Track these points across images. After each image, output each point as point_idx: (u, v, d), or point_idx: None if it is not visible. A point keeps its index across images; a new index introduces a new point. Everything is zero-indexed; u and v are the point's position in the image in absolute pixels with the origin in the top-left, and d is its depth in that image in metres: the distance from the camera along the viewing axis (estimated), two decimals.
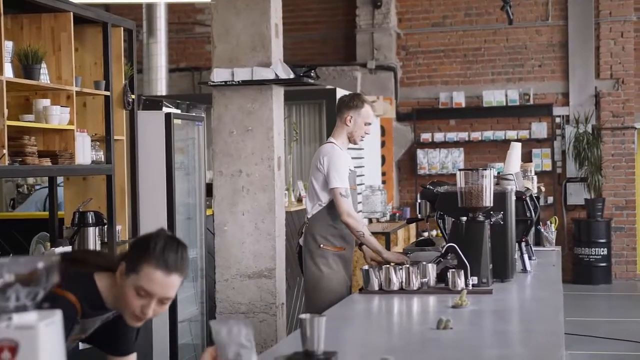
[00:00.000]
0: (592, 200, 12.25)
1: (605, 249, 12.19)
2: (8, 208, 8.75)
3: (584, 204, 12.39)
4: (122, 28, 5.77)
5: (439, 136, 12.81)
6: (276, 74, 5.64)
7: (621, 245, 12.51)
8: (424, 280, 4.22)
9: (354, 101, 5.24)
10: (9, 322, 1.69)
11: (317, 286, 5.12)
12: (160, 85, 10.19)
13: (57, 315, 1.76)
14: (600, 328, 9.21)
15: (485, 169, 4.37)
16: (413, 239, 10.45)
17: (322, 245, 5.13)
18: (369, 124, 5.26)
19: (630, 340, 8.49)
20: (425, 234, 12.25)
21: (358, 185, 9.85)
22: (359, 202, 9.56)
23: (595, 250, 12.17)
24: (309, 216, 5.23)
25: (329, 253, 5.13)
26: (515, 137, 12.33)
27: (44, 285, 1.74)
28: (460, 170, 4.41)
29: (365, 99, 5.32)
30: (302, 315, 2.70)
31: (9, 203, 8.88)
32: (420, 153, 12.84)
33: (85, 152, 5.16)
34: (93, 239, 5.29)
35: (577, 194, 12.52)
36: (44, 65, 4.83)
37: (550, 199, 12.47)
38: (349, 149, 5.37)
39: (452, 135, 12.78)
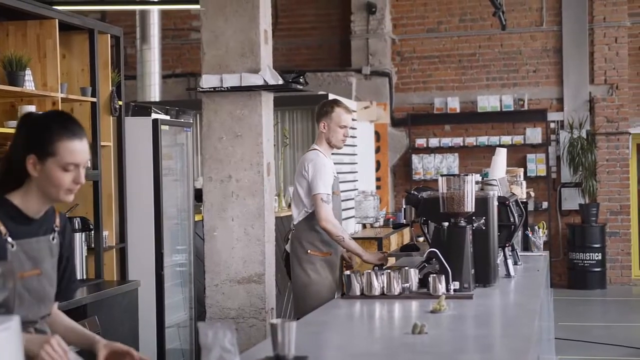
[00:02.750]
0: (587, 205, 12.26)
1: (600, 254, 12.20)
2: None
3: (578, 209, 12.40)
4: (109, 35, 5.80)
5: (433, 141, 12.83)
6: (265, 80, 5.66)
7: (616, 250, 12.51)
8: (405, 285, 4.23)
9: (324, 108, 5.36)
10: None
11: (306, 292, 5.16)
12: (154, 92, 10.21)
13: (13, 321, 1.78)
14: (594, 333, 9.21)
15: (467, 175, 4.38)
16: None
17: (309, 251, 5.19)
18: (344, 127, 5.31)
19: (624, 345, 8.49)
20: (421, 239, 12.26)
21: (351, 190, 9.93)
22: (351, 208, 9.58)
23: (589, 255, 12.17)
24: (295, 222, 5.30)
25: (317, 259, 5.18)
26: (510, 143, 12.36)
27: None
28: (442, 175, 4.43)
29: (336, 102, 5.38)
30: (273, 320, 2.72)
31: None
32: (415, 158, 12.86)
33: None
34: (80, 245, 5.31)
35: (571, 199, 12.53)
36: (28, 71, 4.86)
37: (545, 204, 12.48)
38: (333, 154, 5.41)
39: (447, 141, 12.79)
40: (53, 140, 2.62)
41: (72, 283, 2.89)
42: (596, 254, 12.17)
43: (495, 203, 4.65)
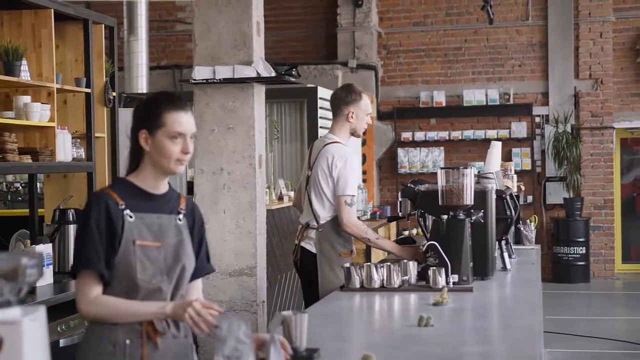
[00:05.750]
0: (571, 200, 12.33)
1: (584, 247, 12.28)
2: None
3: (563, 203, 12.47)
4: (103, 25, 5.75)
5: (419, 135, 12.85)
6: (257, 72, 5.64)
7: (599, 244, 12.60)
8: (404, 278, 4.24)
9: (351, 95, 5.03)
10: None
11: None
12: (141, 83, 10.14)
13: (40, 311, 1.76)
14: (579, 326, 9.27)
15: (466, 168, 4.39)
16: (394, 237, 10.48)
17: (341, 254, 4.97)
18: (369, 114, 5.09)
19: (608, 338, 8.56)
20: (406, 233, 12.29)
21: None
22: None
23: (573, 249, 12.25)
24: (321, 221, 4.97)
25: (344, 260, 4.92)
26: (495, 137, 12.40)
27: (27, 280, 1.74)
28: (441, 168, 4.42)
29: (360, 89, 5.15)
30: (285, 312, 2.71)
31: None
32: (400, 152, 12.88)
33: (66, 149, 5.15)
34: (73, 237, 5.27)
35: (556, 193, 12.60)
36: (24, 62, 4.81)
37: (530, 198, 12.54)
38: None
39: (433, 134, 12.83)
40: (161, 112, 2.82)
41: (205, 266, 3.03)
42: (580, 247, 12.25)
43: (494, 196, 4.66)
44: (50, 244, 5.12)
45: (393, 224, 11.04)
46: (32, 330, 1.72)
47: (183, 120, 2.83)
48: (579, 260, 12.27)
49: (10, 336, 1.68)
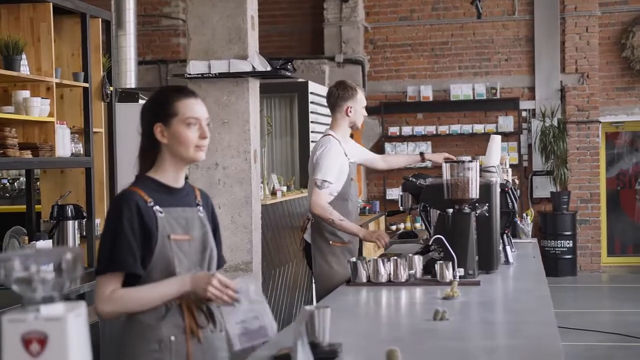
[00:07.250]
0: (558, 193, 12.39)
1: (571, 241, 12.33)
2: None
3: (549, 197, 12.52)
4: (100, 19, 5.70)
5: (406, 130, 12.86)
6: (253, 67, 5.62)
7: (586, 238, 12.66)
8: (411, 272, 4.23)
9: (347, 91, 5.18)
10: (37, 313, 1.67)
11: (330, 283, 4.91)
12: (130, 78, 10.05)
13: (82, 307, 1.74)
14: (567, 319, 9.31)
15: (472, 161, 4.39)
16: None
17: (331, 242, 5.05)
18: (364, 106, 5.28)
19: (598, 330, 8.60)
20: (393, 227, 12.30)
21: None
22: None
23: (560, 243, 12.30)
24: (313, 212, 5.08)
25: (338, 249, 5.04)
26: (482, 131, 12.43)
27: (71, 276, 1.72)
28: (446, 162, 4.42)
29: (354, 84, 5.30)
30: (308, 307, 2.69)
31: None
32: (388, 146, 12.88)
33: (65, 144, 5.10)
34: (72, 233, 5.23)
35: (543, 187, 12.65)
36: (24, 56, 4.76)
37: (517, 192, 12.56)
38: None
39: (420, 129, 12.83)
40: (172, 102, 2.82)
41: (221, 257, 3.00)
42: (567, 241, 12.31)
43: (498, 189, 4.66)
44: (50, 240, 5.08)
45: (382, 219, 11.04)
46: (76, 325, 1.69)
47: (195, 106, 2.84)
48: (567, 254, 12.32)
49: (55, 332, 1.66)
